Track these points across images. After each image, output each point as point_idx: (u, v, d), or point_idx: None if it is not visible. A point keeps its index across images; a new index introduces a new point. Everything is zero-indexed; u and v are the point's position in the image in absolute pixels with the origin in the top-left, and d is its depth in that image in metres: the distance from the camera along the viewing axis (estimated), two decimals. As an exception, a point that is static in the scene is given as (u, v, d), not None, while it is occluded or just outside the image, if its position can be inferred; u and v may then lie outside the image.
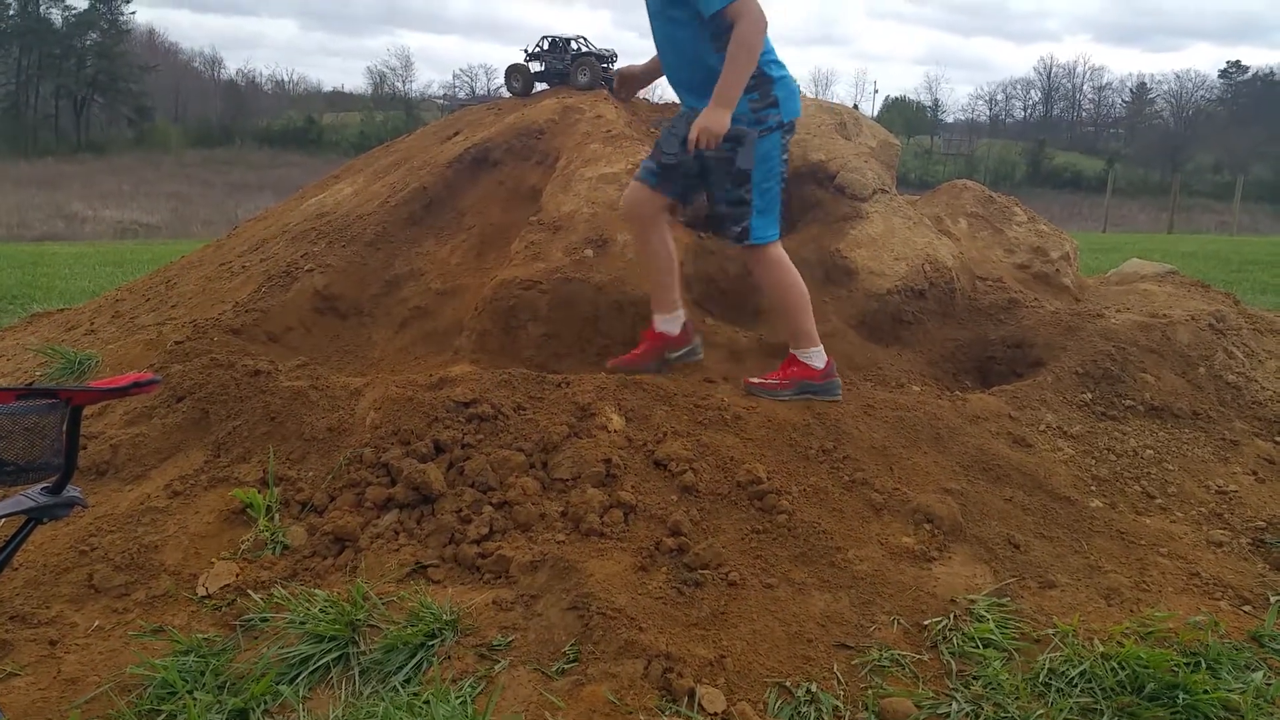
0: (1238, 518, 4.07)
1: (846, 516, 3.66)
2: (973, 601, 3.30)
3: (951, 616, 3.22)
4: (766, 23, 3.60)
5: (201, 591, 3.31)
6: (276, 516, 3.57)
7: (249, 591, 3.27)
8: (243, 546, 3.47)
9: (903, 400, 4.48)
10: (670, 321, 4.39)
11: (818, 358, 4.22)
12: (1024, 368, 5.15)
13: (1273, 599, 3.52)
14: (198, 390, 4.17)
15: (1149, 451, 4.40)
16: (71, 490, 2.23)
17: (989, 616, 3.22)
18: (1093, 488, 4.11)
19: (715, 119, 3.60)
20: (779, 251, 4.17)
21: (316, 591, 3.20)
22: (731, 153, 3.88)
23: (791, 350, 4.25)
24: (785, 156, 4.11)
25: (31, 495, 2.18)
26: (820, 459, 3.93)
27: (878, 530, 3.62)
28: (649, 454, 3.80)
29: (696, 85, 3.92)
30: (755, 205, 4.02)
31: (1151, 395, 4.72)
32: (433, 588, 3.26)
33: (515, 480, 3.60)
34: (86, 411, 3.55)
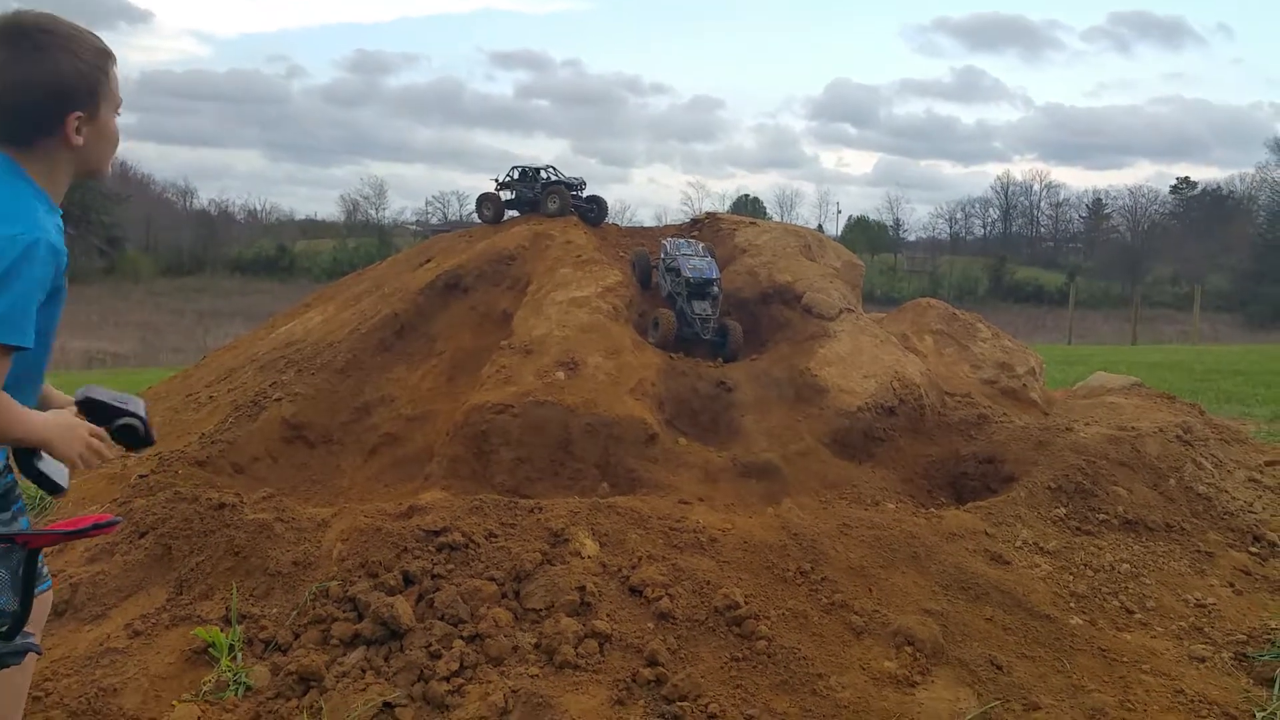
0: (1218, 631, 4.03)
1: (827, 641, 3.59)
2: (958, 727, 3.22)
3: (937, 744, 3.13)
4: None
5: (160, 737, 3.17)
6: (239, 656, 3.45)
7: (209, 736, 3.14)
8: (204, 688, 3.34)
9: (879, 519, 4.45)
10: None
11: None
12: (997, 483, 5.16)
13: (1259, 715, 3.46)
14: (160, 525, 4.08)
15: (1125, 566, 4.38)
16: (26, 636, 2.14)
17: (975, 743, 3.14)
18: (1072, 604, 4.07)
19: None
20: None
21: (280, 735, 3.07)
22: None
23: None
24: None
25: None
26: (798, 581, 3.88)
27: (859, 654, 3.55)
28: (624, 580, 3.74)
29: None
30: None
31: (1124, 509, 4.72)
32: (401, 727, 3.14)
33: (487, 611, 3.52)
34: (45, 549, 3.46)
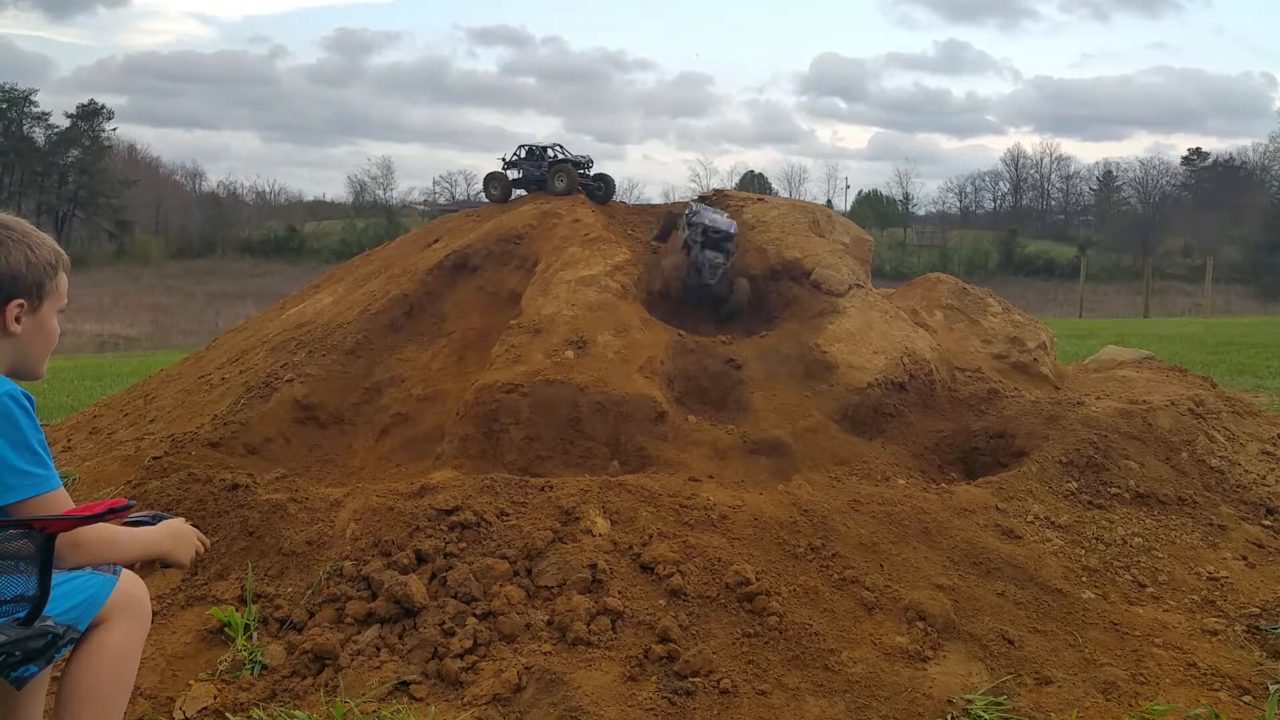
0: (1231, 604, 4.03)
1: (838, 616, 3.60)
2: (970, 702, 3.23)
3: (949, 718, 3.15)
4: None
5: (179, 716, 3.20)
6: (255, 635, 3.48)
7: (227, 715, 3.17)
8: (221, 667, 3.37)
9: (889, 494, 4.45)
10: None
11: None
12: (1008, 457, 5.15)
13: (1272, 688, 3.46)
14: (175, 506, 4.10)
15: (1137, 539, 4.37)
16: (45, 621, 2.16)
17: (986, 717, 3.15)
18: (1084, 578, 4.07)
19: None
20: None
21: (296, 713, 3.11)
22: None
23: None
24: None
25: (2, 628, 2.11)
26: (809, 557, 3.89)
27: (870, 630, 3.56)
28: (635, 557, 3.75)
29: None
30: None
31: (1136, 482, 4.71)
32: (415, 705, 3.17)
33: (499, 589, 3.54)
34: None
